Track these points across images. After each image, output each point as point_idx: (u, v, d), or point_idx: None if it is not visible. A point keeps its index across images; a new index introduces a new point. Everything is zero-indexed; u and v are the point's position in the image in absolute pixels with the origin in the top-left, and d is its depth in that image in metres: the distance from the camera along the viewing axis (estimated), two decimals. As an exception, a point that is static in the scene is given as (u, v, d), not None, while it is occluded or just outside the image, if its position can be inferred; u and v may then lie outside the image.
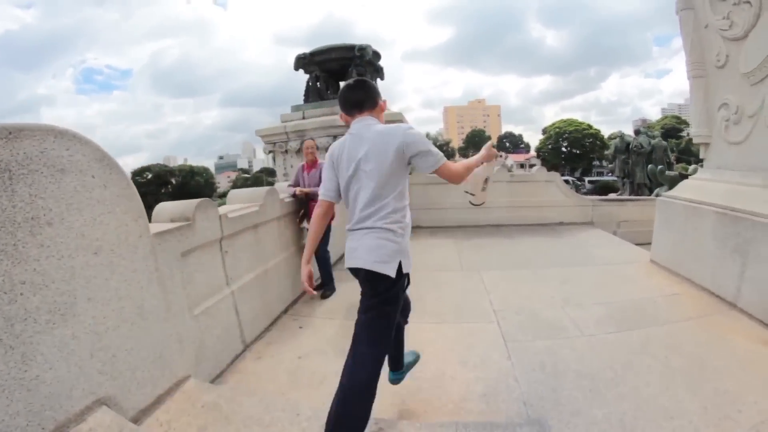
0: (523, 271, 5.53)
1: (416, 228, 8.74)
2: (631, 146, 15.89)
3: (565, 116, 78.90)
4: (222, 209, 3.69)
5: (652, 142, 15.79)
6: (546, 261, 6.05)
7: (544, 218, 8.89)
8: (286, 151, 9.00)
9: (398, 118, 8.00)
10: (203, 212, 3.12)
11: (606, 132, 67.19)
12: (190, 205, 3.08)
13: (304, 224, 4.76)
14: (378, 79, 10.15)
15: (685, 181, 5.42)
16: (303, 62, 9.57)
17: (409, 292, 2.29)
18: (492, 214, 8.93)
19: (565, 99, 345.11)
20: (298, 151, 8.92)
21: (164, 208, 3.15)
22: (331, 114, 8.66)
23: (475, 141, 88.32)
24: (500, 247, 7.10)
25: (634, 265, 5.61)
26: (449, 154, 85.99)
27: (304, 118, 8.94)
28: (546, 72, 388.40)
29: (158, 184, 79.32)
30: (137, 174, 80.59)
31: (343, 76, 9.38)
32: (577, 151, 63.20)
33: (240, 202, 4.22)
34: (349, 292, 4.64)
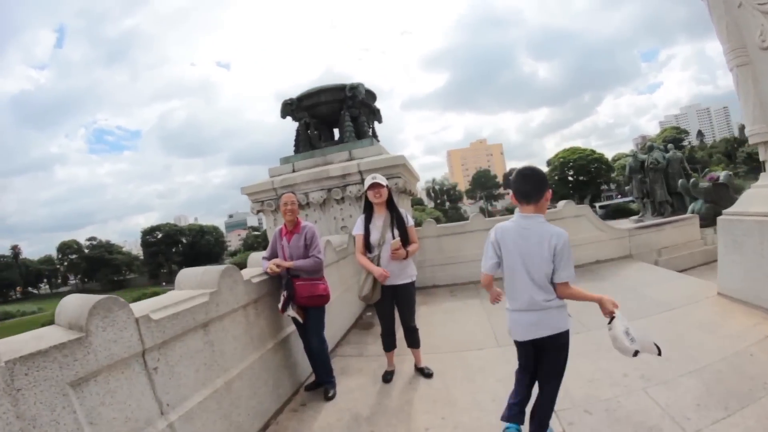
0: (575, 337, 4.28)
1: (432, 288, 7.64)
2: (646, 164, 14.66)
3: (566, 145, 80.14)
4: (144, 305, 2.55)
5: (667, 155, 14.60)
6: (597, 316, 4.77)
7: (578, 258, 7.56)
8: (276, 210, 7.95)
9: (401, 162, 7.05)
10: (106, 316, 2.10)
11: (609, 155, 68.29)
12: (84, 307, 2.05)
13: (290, 311, 3.59)
14: (375, 122, 9.24)
15: (749, 192, 4.49)
16: (290, 109, 8.68)
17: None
18: None
19: (563, 128, 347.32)
20: (290, 208, 7.87)
21: (65, 305, 2.22)
22: (324, 164, 7.68)
23: (481, 182, 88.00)
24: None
25: (701, 303, 4.69)
26: (457, 198, 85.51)
27: (294, 171, 7.94)
28: (542, 104, 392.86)
29: (168, 244, 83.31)
30: (147, 233, 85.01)
31: (335, 121, 8.46)
32: (584, 178, 63.21)
33: (190, 287, 3.09)
34: (348, 394, 3.60)
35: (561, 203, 8.48)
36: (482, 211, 78.77)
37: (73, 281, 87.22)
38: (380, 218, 3.75)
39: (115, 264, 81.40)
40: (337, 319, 4.96)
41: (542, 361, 2.48)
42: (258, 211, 8.24)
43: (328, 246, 5.04)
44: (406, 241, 3.68)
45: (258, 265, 4.01)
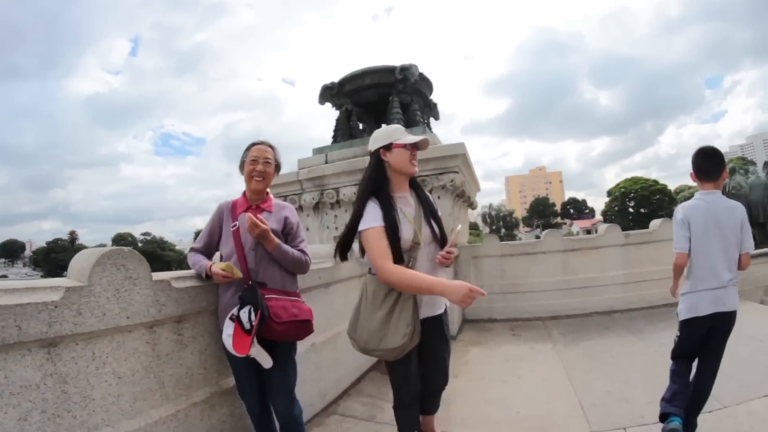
0: (704, 416, 2.63)
1: (488, 323, 5.98)
2: (728, 189, 12.35)
3: (626, 176, 76.77)
4: None
5: (748, 180, 12.20)
6: (730, 382, 3.05)
7: (657, 297, 5.86)
8: (301, 207, 6.56)
9: (459, 152, 5.43)
10: None
11: (671, 187, 64.67)
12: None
13: (253, 350, 2.11)
14: (431, 118, 7.72)
15: None
16: (329, 94, 7.31)
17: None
18: (599, 294, 6.01)
19: (624, 158, 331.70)
20: (317, 206, 6.43)
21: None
22: (363, 155, 6.20)
23: (539, 209, 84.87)
24: (634, 356, 4.19)
25: None
26: (513, 225, 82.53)
27: (327, 162, 6.52)
28: (603, 133, 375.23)
29: None
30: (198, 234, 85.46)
31: (383, 110, 6.97)
32: (645, 210, 59.96)
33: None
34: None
35: (657, 221, 6.66)
36: (538, 239, 75.35)
37: None
38: (406, 201, 2.26)
39: (165, 260, 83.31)
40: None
41: (708, 343, 2.55)
42: (281, 209, 6.87)
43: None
44: (445, 241, 2.29)
45: (313, 257, 2.86)
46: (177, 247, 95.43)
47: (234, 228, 2.40)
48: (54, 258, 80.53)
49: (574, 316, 5.92)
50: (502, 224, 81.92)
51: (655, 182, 62.23)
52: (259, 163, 2.46)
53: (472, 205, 7.49)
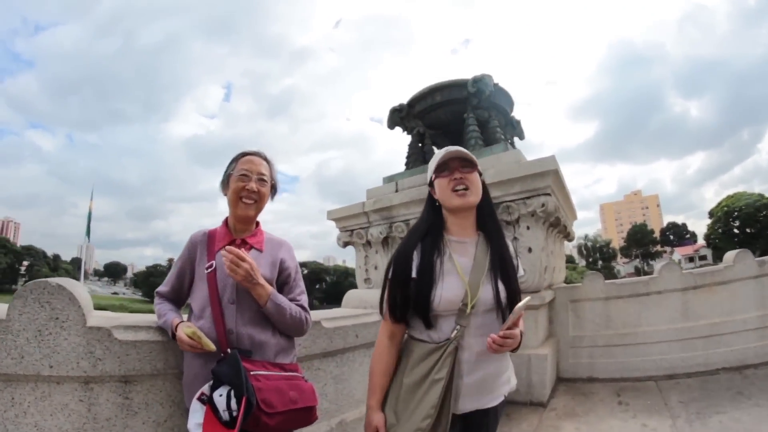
0: None
1: (588, 383, 4.86)
2: None
3: (726, 193, 69.12)
4: None
5: None
6: None
7: None
8: (368, 243, 5.82)
9: (551, 168, 4.34)
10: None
11: None
12: None
13: None
14: (515, 138, 6.75)
15: None
16: (399, 117, 6.65)
17: None
18: (728, 344, 4.72)
19: (722, 173, 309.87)
20: (385, 241, 5.65)
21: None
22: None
23: (637, 238, 78.88)
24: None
25: None
26: (610, 256, 77.22)
27: (397, 190, 5.77)
28: (697, 148, 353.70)
29: (312, 281, 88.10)
30: None
31: (458, 130, 6.14)
32: (752, 230, 54.78)
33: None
34: None
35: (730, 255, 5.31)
36: (637, 271, 70.06)
37: None
38: (464, 249, 1.68)
39: None
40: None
41: None
42: (345, 243, 6.20)
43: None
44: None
45: (357, 304, 2.82)
46: None
47: (209, 270, 1.78)
48: (152, 281, 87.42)
49: (696, 374, 4.64)
50: (599, 256, 76.87)
51: (761, 196, 56.29)
52: (252, 180, 1.86)
53: (569, 236, 6.32)
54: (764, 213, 53.24)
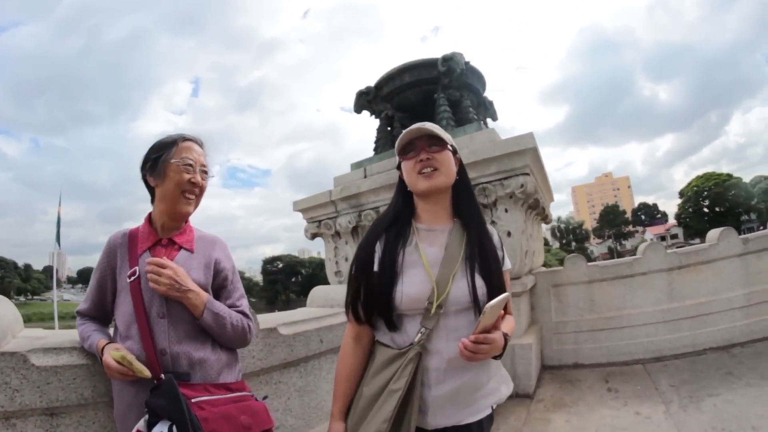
0: None
1: (574, 370, 4.73)
2: None
3: (695, 174, 71.73)
4: None
5: None
6: None
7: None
8: (337, 233, 5.48)
9: (528, 146, 4.02)
10: None
11: (746, 179, 60.97)
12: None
13: None
14: (488, 119, 6.45)
15: None
16: (366, 100, 6.29)
17: None
18: (714, 324, 4.62)
19: (691, 155, 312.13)
20: (355, 230, 5.32)
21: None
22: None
23: (609, 218, 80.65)
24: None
25: None
26: (584, 237, 78.69)
27: (365, 176, 5.42)
28: (666, 130, 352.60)
29: (288, 274, 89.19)
30: (268, 263, 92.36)
31: (430, 112, 5.80)
32: (721, 209, 56.99)
33: None
34: None
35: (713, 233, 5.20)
36: (611, 251, 71.64)
37: None
38: (433, 239, 1.45)
39: None
40: None
41: None
42: (314, 235, 5.84)
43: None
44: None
45: (324, 302, 2.61)
46: (246, 275, 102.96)
47: (132, 279, 1.47)
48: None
49: (683, 356, 4.54)
50: (572, 237, 78.22)
51: (729, 176, 58.49)
52: (196, 173, 1.58)
53: (546, 219, 6.09)
54: (733, 192, 54.96)
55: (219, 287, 1.62)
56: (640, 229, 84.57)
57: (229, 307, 1.58)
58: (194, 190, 1.58)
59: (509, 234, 4.15)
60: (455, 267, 1.34)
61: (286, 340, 2.12)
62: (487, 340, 1.20)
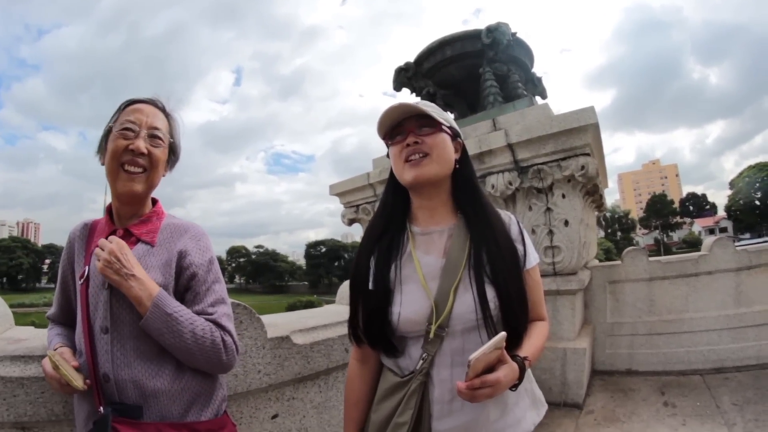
0: None
1: (626, 377, 4.30)
2: None
3: (747, 164, 67.91)
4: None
5: None
6: None
7: None
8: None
9: (590, 122, 3.46)
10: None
11: None
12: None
13: None
14: (537, 97, 5.91)
15: None
16: (405, 77, 5.85)
17: None
18: None
19: (742, 143, 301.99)
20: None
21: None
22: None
23: (656, 208, 77.59)
24: None
25: None
26: (629, 227, 76.13)
27: (404, 159, 5.02)
28: (717, 116, 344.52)
29: (331, 258, 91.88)
30: (311, 247, 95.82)
31: (475, 88, 5.32)
32: None
33: None
34: None
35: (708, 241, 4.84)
36: (657, 243, 68.98)
37: (238, 281, 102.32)
38: (430, 244, 1.18)
39: (278, 270, 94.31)
40: None
41: None
42: (351, 221, 5.51)
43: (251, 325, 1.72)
44: (519, 321, 1.12)
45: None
46: (290, 258, 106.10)
47: (82, 281, 1.19)
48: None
49: (746, 368, 4.07)
50: (617, 227, 75.46)
51: None
52: (139, 138, 1.22)
53: (601, 207, 5.54)
54: (787, 185, 51.85)
55: (184, 288, 1.24)
56: (688, 220, 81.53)
57: (198, 314, 1.19)
58: (137, 161, 1.21)
59: (566, 223, 3.66)
60: (457, 277, 1.10)
61: (301, 351, 1.79)
62: (485, 383, 0.95)
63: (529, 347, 1.11)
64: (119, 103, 1.29)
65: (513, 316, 1.09)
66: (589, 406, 3.65)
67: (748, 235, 49.77)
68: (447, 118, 1.20)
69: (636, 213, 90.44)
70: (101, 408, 1.05)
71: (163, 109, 1.31)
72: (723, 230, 65.46)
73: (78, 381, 1.05)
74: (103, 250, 1.12)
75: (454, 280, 1.10)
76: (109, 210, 1.28)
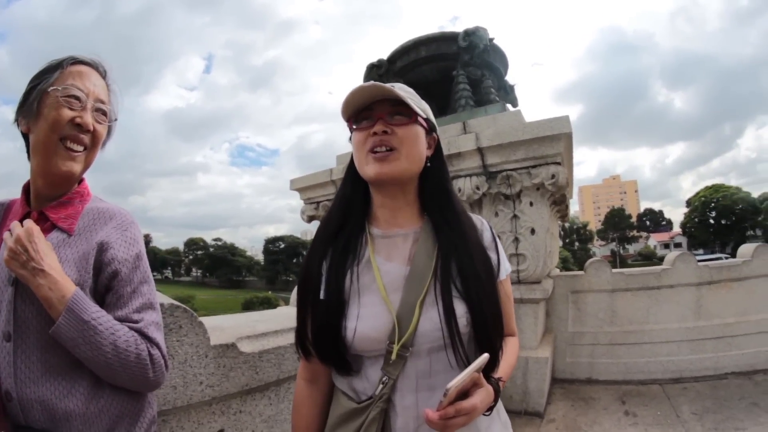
0: None
1: (587, 385, 4.31)
2: None
3: (703, 184, 71.73)
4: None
5: None
6: None
7: None
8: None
9: (563, 131, 3.39)
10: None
11: (755, 194, 60.40)
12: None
13: None
14: (509, 105, 5.88)
15: None
16: (377, 74, 5.69)
17: None
18: (740, 347, 4.28)
19: (701, 165, 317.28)
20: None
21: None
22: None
23: (614, 221, 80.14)
24: None
25: None
26: (587, 238, 78.27)
27: (371, 158, 4.88)
28: (678, 138, 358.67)
29: (289, 255, 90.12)
30: (270, 242, 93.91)
31: (447, 90, 5.24)
32: (726, 222, 56.80)
33: None
34: None
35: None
36: (614, 254, 71.30)
37: (195, 274, 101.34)
38: (392, 249, 1.03)
39: (235, 265, 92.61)
40: None
41: None
42: (311, 218, 5.31)
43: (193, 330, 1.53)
44: (493, 340, 0.97)
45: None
46: (247, 253, 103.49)
47: None
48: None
49: (704, 379, 4.17)
50: (575, 237, 77.31)
51: (738, 189, 58.01)
52: (86, 110, 1.03)
53: (565, 218, 5.56)
54: (740, 207, 54.43)
55: (105, 288, 1.03)
56: (644, 234, 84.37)
57: (120, 321, 0.99)
58: (81, 138, 1.02)
59: (533, 231, 3.61)
60: (424, 289, 0.96)
61: (249, 360, 1.61)
62: (460, 411, 0.82)
63: (503, 366, 1.00)
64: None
65: (486, 334, 0.96)
66: (550, 415, 3.62)
67: (701, 251, 52.01)
68: (424, 108, 1.05)
69: (594, 225, 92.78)
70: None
71: (105, 78, 1.12)
72: (677, 245, 68.19)
73: None
74: (12, 236, 0.93)
75: (420, 293, 0.95)
76: (25, 189, 1.08)
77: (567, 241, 75.67)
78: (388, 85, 0.96)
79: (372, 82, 0.96)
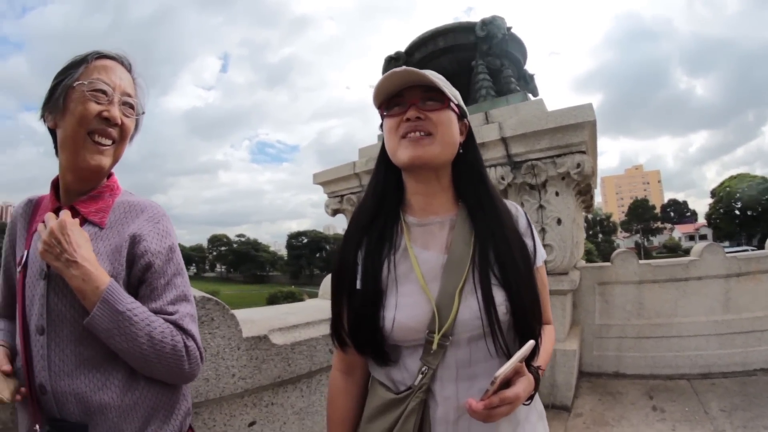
0: None
1: (614, 379, 4.25)
2: None
3: (727, 174, 69.04)
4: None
5: None
6: None
7: None
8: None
9: (587, 119, 3.36)
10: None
11: None
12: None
13: None
14: (528, 94, 5.80)
15: None
16: (395, 66, 5.64)
17: None
18: (765, 341, 4.13)
19: (724, 154, 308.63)
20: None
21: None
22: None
23: (638, 213, 78.62)
24: None
25: None
26: (611, 230, 77.19)
27: (392, 151, 4.86)
28: (700, 127, 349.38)
29: (312, 249, 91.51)
30: (293, 237, 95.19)
31: (463, 81, 5.10)
32: (753, 213, 54.56)
33: None
34: None
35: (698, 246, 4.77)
36: (638, 246, 70.09)
37: (219, 270, 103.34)
38: (429, 237, 0.99)
39: (259, 260, 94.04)
40: None
41: None
42: (335, 211, 5.34)
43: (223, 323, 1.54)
44: (533, 327, 0.94)
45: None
46: (271, 249, 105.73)
47: (20, 268, 0.99)
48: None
49: (733, 374, 4.07)
50: (599, 229, 76.29)
51: (764, 179, 55.45)
52: (113, 104, 1.02)
53: (589, 208, 5.47)
54: (767, 197, 52.62)
55: (138, 280, 1.02)
56: (668, 226, 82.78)
57: (155, 313, 0.98)
58: (109, 132, 1.02)
59: (559, 221, 3.55)
60: (462, 278, 0.93)
61: (281, 352, 1.61)
62: (504, 401, 0.81)
63: (542, 355, 0.99)
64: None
65: (526, 322, 0.94)
66: (578, 409, 3.59)
67: (727, 243, 50.64)
68: (455, 94, 1.02)
69: (618, 216, 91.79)
70: (37, 427, 0.87)
71: (130, 71, 1.11)
72: (703, 237, 66.53)
73: (4, 392, 0.86)
74: (46, 228, 0.93)
75: (459, 281, 0.93)
76: (54, 184, 1.08)
77: (591, 232, 74.89)
78: (417, 70, 0.94)
79: (404, 67, 0.95)
